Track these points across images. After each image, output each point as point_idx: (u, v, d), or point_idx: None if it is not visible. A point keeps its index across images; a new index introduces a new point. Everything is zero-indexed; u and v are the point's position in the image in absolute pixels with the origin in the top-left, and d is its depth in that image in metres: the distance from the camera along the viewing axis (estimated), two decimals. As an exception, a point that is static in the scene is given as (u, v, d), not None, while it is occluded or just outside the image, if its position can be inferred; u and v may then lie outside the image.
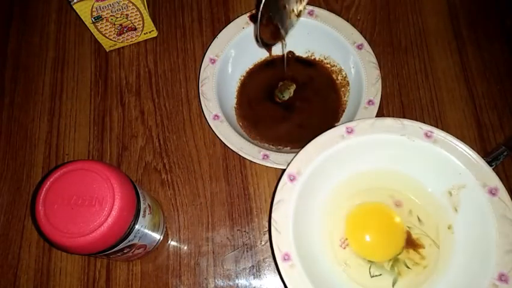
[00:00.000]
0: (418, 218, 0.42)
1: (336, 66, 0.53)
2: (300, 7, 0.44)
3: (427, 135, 0.40)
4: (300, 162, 0.40)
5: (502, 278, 0.35)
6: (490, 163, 0.47)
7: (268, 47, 0.43)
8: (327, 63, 0.54)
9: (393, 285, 0.40)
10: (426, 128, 0.41)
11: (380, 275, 0.40)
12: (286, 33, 0.45)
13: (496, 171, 0.48)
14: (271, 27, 0.43)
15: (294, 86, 0.53)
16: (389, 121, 0.41)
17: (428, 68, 0.53)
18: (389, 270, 0.40)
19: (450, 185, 0.41)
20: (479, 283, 0.36)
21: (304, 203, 0.41)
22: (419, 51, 0.54)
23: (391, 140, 0.41)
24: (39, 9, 0.60)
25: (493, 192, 0.38)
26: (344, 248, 0.41)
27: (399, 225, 0.42)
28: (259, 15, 0.39)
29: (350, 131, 0.41)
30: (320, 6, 0.53)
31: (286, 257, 0.38)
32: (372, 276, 0.40)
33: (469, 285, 0.37)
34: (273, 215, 0.39)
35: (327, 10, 0.52)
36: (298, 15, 0.44)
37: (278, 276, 0.45)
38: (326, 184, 0.43)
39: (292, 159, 0.41)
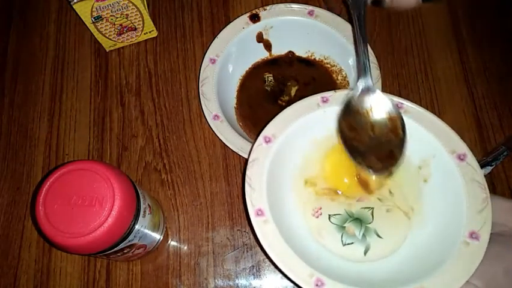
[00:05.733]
0: (389, 191, 0.42)
1: (336, 66, 0.53)
2: None
3: (398, 106, 0.42)
4: (275, 126, 0.42)
5: (473, 235, 0.36)
6: (490, 163, 0.47)
7: None
8: (327, 63, 0.54)
9: (365, 254, 0.40)
10: (397, 99, 0.42)
11: (352, 243, 0.41)
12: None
13: (496, 171, 0.48)
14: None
15: (297, 86, 0.53)
16: None
17: (428, 68, 0.53)
18: (361, 239, 0.41)
19: (421, 155, 0.42)
20: (450, 244, 0.37)
21: (278, 164, 0.41)
22: (419, 51, 0.54)
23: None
24: (39, 9, 0.60)
25: (461, 157, 0.39)
26: (317, 217, 0.42)
27: None
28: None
29: (325, 100, 0.42)
30: (319, 6, 0.53)
31: (260, 212, 0.38)
32: (344, 245, 0.41)
33: (440, 247, 0.38)
34: (247, 172, 0.39)
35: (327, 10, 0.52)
36: None
37: (278, 275, 0.45)
38: (299, 148, 0.43)
39: (267, 123, 0.42)
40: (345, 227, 0.42)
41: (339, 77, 0.53)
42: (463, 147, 0.40)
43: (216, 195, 0.49)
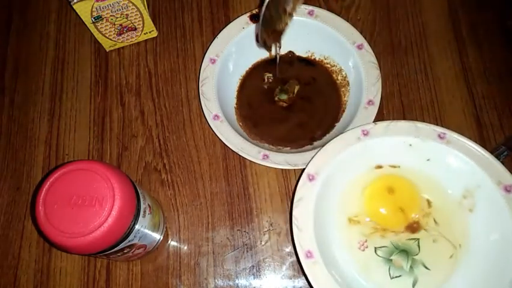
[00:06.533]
0: (434, 220, 0.42)
1: (336, 66, 0.53)
2: (290, 9, 0.45)
3: (440, 137, 0.41)
4: (317, 163, 0.42)
5: None
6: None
7: (267, 47, 0.44)
8: (327, 63, 0.54)
9: (413, 286, 0.40)
10: (440, 129, 0.42)
11: (400, 276, 0.41)
12: (282, 33, 0.46)
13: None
14: (269, 30, 0.44)
15: (298, 86, 0.53)
16: (402, 123, 0.43)
17: (428, 68, 0.53)
18: (408, 271, 0.41)
19: (465, 185, 0.41)
20: (502, 278, 0.36)
21: (323, 201, 0.41)
22: (419, 51, 0.54)
23: (405, 141, 0.42)
24: (39, 9, 0.60)
25: (507, 189, 0.39)
26: (363, 250, 0.42)
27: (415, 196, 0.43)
28: (261, 17, 0.40)
29: (365, 133, 0.43)
30: (319, 6, 0.53)
31: (309, 255, 0.38)
32: (392, 278, 0.41)
33: (491, 281, 0.37)
34: (294, 212, 0.40)
35: (327, 10, 0.52)
36: (290, 14, 0.45)
37: (278, 275, 0.45)
38: (340, 184, 0.43)
39: (310, 160, 0.42)
40: (392, 259, 0.41)
41: (339, 77, 0.53)
42: (509, 179, 0.39)
43: (216, 195, 0.49)
